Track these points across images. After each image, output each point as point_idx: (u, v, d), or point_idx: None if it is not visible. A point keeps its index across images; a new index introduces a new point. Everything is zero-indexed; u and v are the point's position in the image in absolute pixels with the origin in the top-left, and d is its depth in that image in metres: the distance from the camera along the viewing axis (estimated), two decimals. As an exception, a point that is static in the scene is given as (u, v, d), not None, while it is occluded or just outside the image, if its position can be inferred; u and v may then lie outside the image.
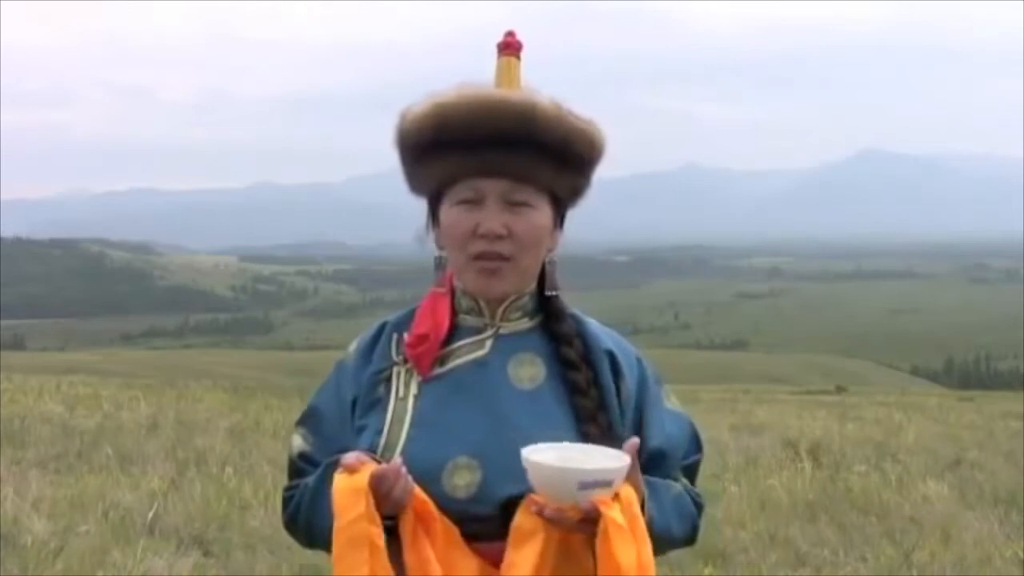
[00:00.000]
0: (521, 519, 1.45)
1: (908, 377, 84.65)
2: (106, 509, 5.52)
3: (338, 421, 1.61)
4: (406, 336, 1.60)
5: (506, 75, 1.60)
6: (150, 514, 5.37)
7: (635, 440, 1.49)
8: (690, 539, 1.64)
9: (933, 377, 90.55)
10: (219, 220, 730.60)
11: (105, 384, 16.15)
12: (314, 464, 1.61)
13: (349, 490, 1.41)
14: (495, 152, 1.52)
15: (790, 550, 5.42)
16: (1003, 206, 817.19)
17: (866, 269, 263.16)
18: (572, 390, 1.57)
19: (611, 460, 1.44)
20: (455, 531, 1.47)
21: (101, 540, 4.91)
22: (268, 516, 5.39)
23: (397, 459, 1.44)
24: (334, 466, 1.51)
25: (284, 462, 1.72)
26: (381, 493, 1.41)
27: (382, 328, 1.66)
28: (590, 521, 1.41)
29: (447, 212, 1.57)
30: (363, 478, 1.41)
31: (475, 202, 1.54)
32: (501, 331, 1.61)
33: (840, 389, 30.01)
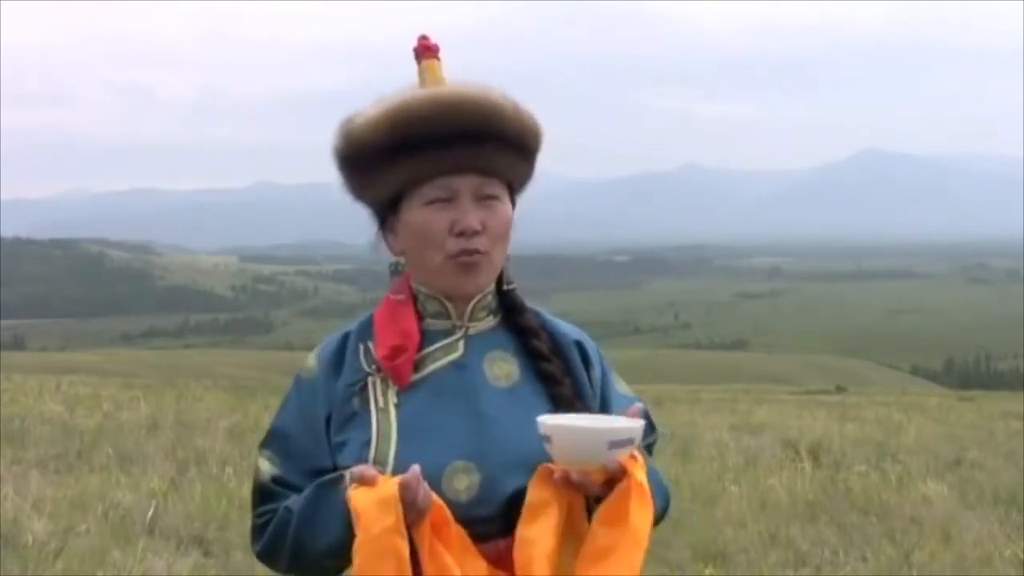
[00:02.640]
0: (535, 492, 1.45)
1: (908, 377, 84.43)
2: (106, 509, 5.51)
3: (309, 440, 1.56)
4: (372, 346, 1.58)
5: (430, 78, 1.58)
6: (150, 514, 5.36)
7: (638, 405, 1.53)
8: (663, 515, 1.65)
9: (933, 377, 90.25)
10: (219, 220, 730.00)
11: (105, 384, 16.12)
12: (290, 487, 1.55)
13: (375, 502, 1.37)
14: (463, 148, 1.51)
15: (790, 550, 5.42)
16: (1003, 206, 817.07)
17: (866, 269, 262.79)
18: (548, 381, 1.58)
19: (624, 421, 1.46)
20: (465, 535, 1.46)
21: (101, 540, 4.90)
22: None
23: (415, 467, 1.41)
24: (330, 483, 1.49)
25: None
26: (407, 502, 1.38)
27: (345, 339, 1.62)
28: (611, 483, 1.43)
29: (416, 213, 1.54)
30: (389, 488, 1.38)
31: (447, 200, 1.53)
32: (469, 331, 1.60)
33: (840, 389, 29.98)
